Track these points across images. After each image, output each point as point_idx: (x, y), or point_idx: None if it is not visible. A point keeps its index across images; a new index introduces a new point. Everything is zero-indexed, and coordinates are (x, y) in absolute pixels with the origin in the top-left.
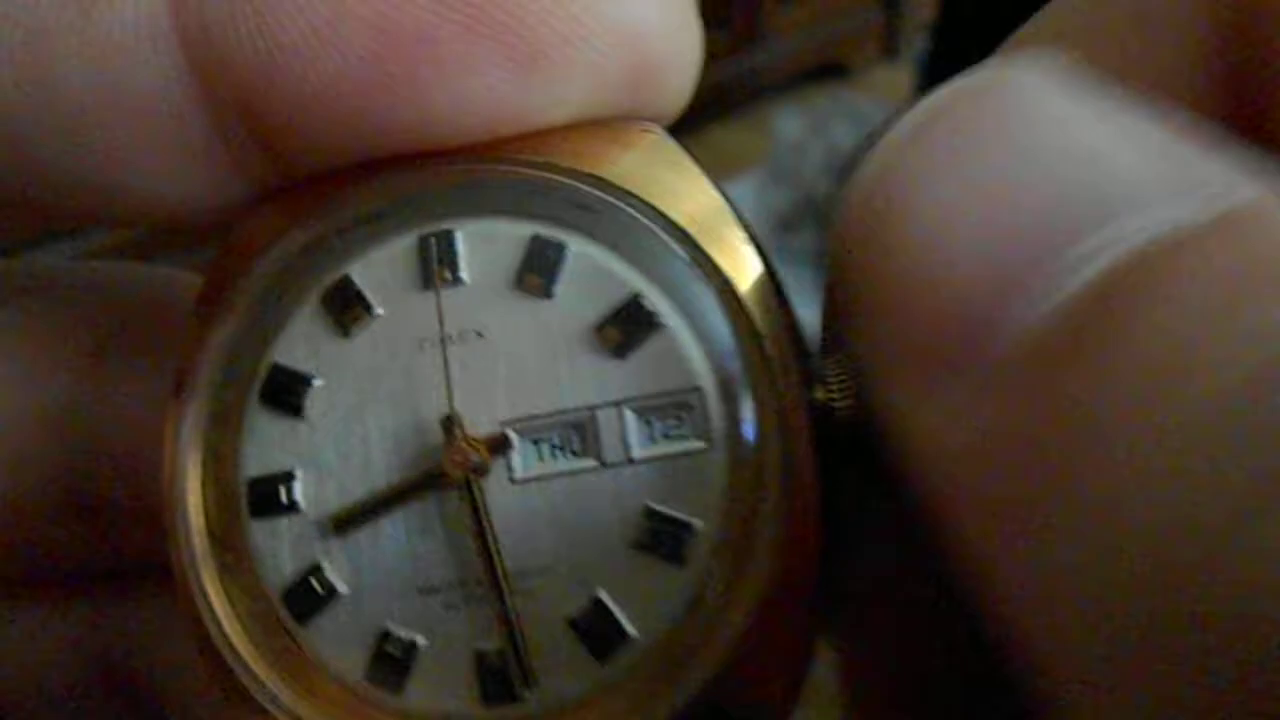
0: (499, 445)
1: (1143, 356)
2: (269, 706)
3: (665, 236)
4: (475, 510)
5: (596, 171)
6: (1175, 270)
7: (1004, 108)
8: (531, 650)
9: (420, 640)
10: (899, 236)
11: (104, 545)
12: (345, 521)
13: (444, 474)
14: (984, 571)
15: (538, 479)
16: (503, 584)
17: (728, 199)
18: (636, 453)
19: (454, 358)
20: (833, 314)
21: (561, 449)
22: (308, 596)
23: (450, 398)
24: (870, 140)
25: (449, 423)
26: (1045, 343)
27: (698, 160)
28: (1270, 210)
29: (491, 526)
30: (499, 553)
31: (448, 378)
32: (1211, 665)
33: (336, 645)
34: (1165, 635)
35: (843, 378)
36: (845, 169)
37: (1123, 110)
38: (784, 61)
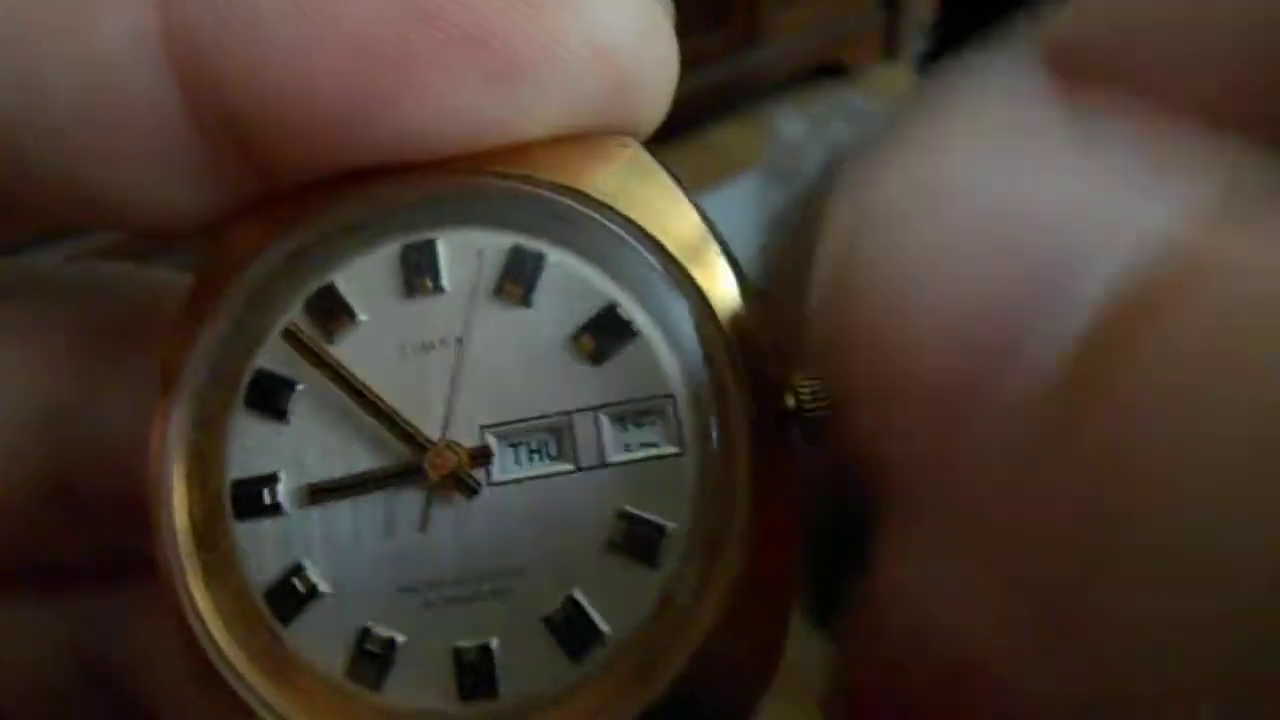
0: (480, 455)
1: (1139, 414)
2: (251, 703)
3: (640, 248)
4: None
5: (574, 184)
6: (1149, 328)
7: (966, 153)
8: (508, 648)
9: (400, 638)
10: (883, 308)
11: (91, 542)
12: (322, 492)
13: (425, 476)
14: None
15: (516, 482)
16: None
17: (702, 212)
18: (611, 457)
19: (435, 364)
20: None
21: (539, 453)
22: (290, 596)
23: (432, 403)
24: (834, 177)
25: (430, 427)
26: (1049, 399)
27: (673, 173)
28: (1223, 240)
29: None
30: None
31: (429, 384)
32: None
33: (318, 643)
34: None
35: (813, 387)
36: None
37: (1062, 149)
38: (784, 61)
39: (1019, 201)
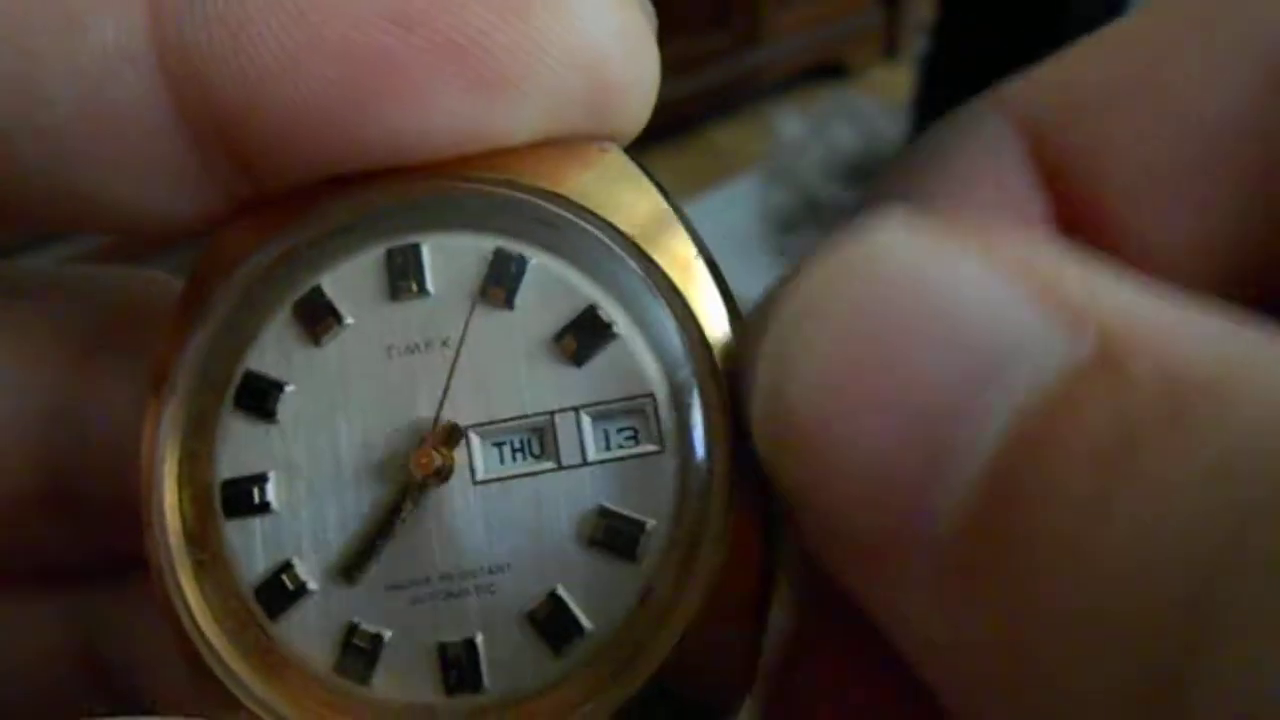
0: (453, 434)
1: (1057, 519)
2: (242, 697)
3: (619, 251)
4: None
5: (556, 189)
6: (1069, 421)
7: (874, 281)
8: (492, 643)
9: (386, 633)
10: (811, 444)
11: (86, 541)
12: (350, 567)
13: (410, 475)
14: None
15: (499, 480)
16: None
17: (683, 215)
18: (592, 455)
19: (420, 365)
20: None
21: (522, 452)
22: (279, 593)
23: (417, 404)
24: (762, 312)
25: (414, 427)
26: (976, 512)
27: (654, 177)
28: (1136, 333)
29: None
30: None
31: (414, 384)
32: None
33: (307, 639)
34: None
35: None
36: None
37: (973, 252)
38: (784, 61)
39: (927, 311)
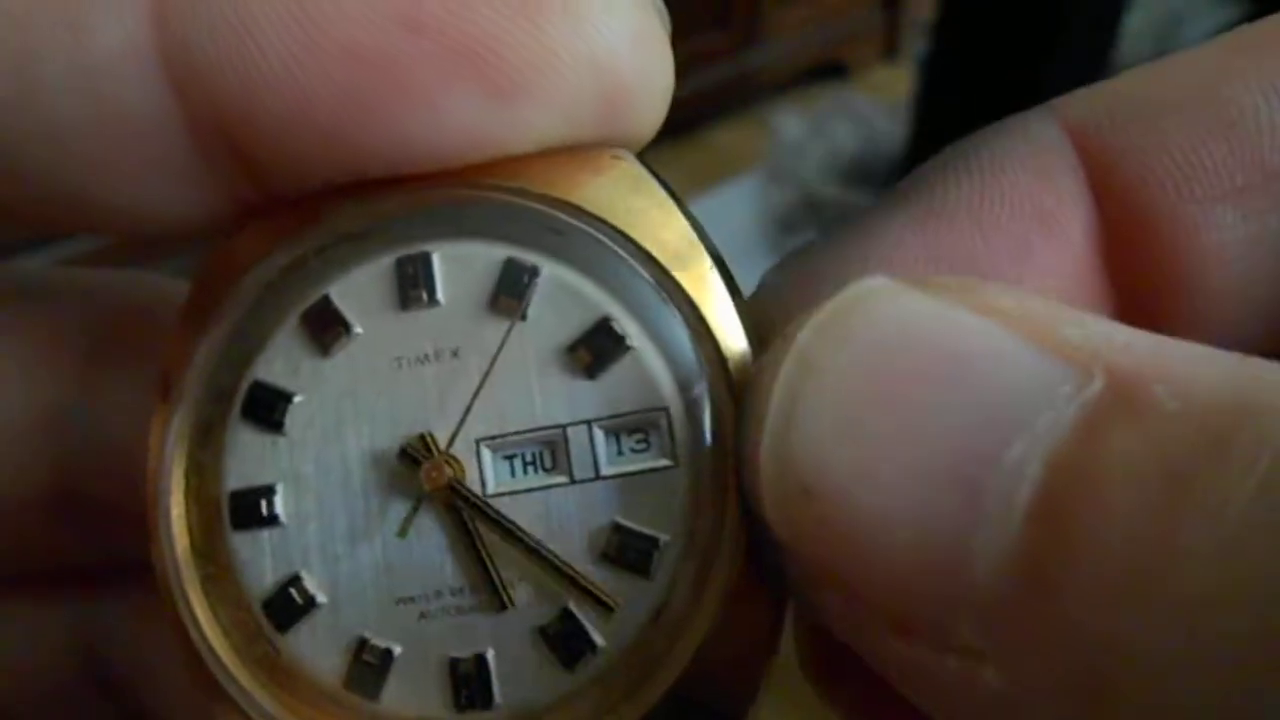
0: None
1: (1114, 550)
2: (250, 711)
3: (633, 261)
4: (462, 520)
5: (568, 197)
6: (1103, 455)
7: (875, 341)
8: (503, 659)
9: (396, 648)
10: (830, 513)
11: (93, 546)
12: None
13: (420, 488)
14: None
15: (510, 494)
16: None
17: (696, 224)
18: (605, 470)
19: (430, 376)
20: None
21: (533, 465)
22: (287, 606)
23: (427, 415)
24: (758, 376)
25: (425, 440)
26: (1022, 561)
27: (667, 185)
28: (1143, 369)
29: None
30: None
31: (424, 396)
32: None
33: (315, 653)
34: None
35: None
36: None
37: (980, 300)
38: (784, 61)
39: (942, 370)
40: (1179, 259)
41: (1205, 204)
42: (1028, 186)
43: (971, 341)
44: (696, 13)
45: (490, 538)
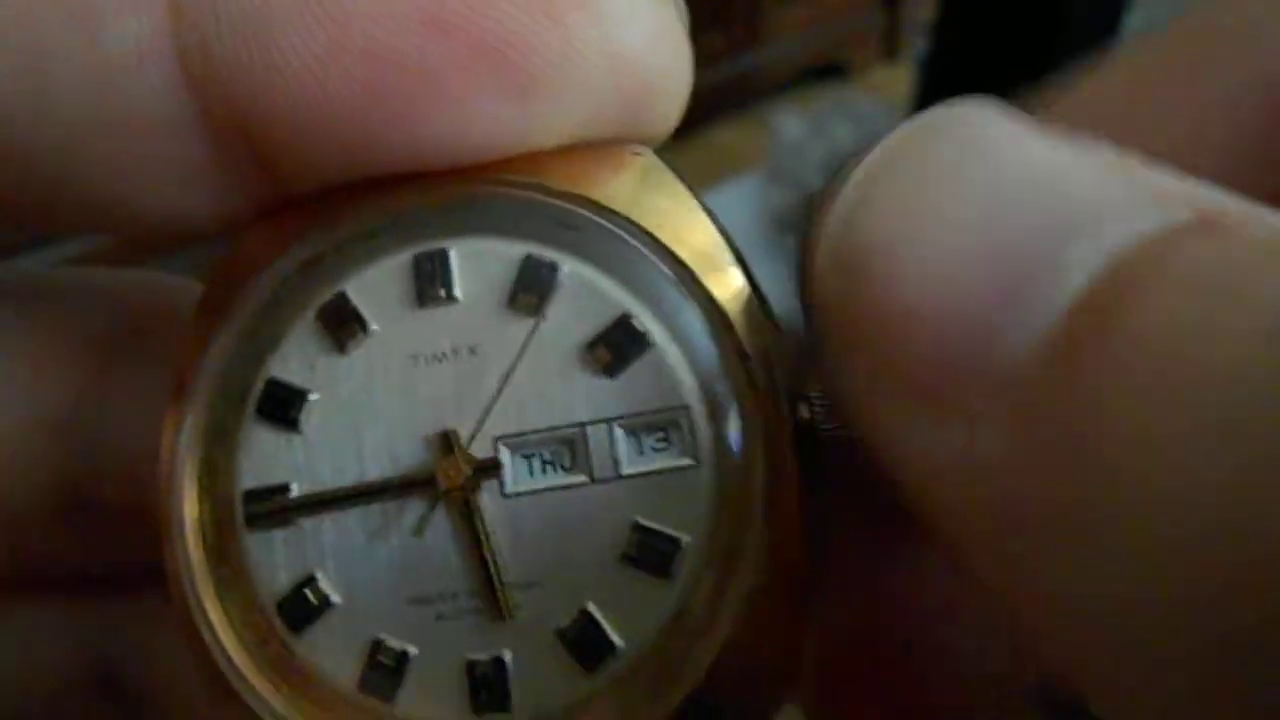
0: (487, 467)
1: (1153, 344)
2: (263, 714)
3: (653, 258)
4: (472, 522)
5: (587, 193)
6: (1169, 259)
7: (965, 138)
8: (521, 660)
9: (412, 650)
10: (881, 274)
11: (103, 549)
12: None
13: (436, 487)
14: (996, 587)
15: (529, 493)
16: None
17: (716, 220)
18: (625, 469)
19: (448, 374)
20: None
21: (552, 464)
22: (302, 607)
23: (444, 414)
24: (836, 177)
25: (442, 438)
26: (1055, 346)
27: (687, 182)
28: (1233, 211)
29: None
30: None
31: (442, 394)
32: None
33: (330, 654)
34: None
35: (827, 399)
36: (813, 203)
37: (1076, 138)
38: (784, 61)
39: (1036, 161)
40: None
41: None
42: None
43: (1057, 155)
44: (696, 13)
45: (499, 539)
